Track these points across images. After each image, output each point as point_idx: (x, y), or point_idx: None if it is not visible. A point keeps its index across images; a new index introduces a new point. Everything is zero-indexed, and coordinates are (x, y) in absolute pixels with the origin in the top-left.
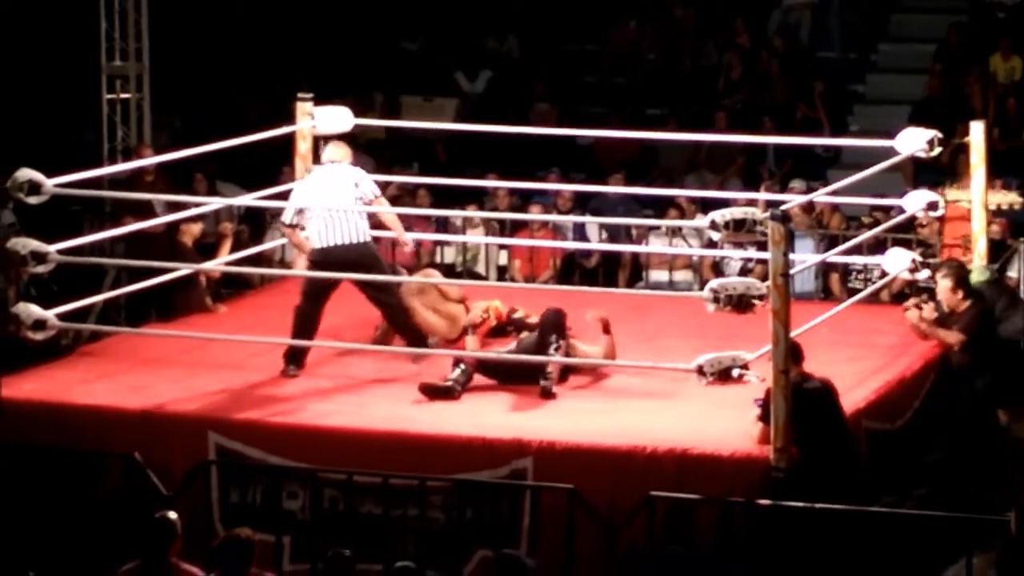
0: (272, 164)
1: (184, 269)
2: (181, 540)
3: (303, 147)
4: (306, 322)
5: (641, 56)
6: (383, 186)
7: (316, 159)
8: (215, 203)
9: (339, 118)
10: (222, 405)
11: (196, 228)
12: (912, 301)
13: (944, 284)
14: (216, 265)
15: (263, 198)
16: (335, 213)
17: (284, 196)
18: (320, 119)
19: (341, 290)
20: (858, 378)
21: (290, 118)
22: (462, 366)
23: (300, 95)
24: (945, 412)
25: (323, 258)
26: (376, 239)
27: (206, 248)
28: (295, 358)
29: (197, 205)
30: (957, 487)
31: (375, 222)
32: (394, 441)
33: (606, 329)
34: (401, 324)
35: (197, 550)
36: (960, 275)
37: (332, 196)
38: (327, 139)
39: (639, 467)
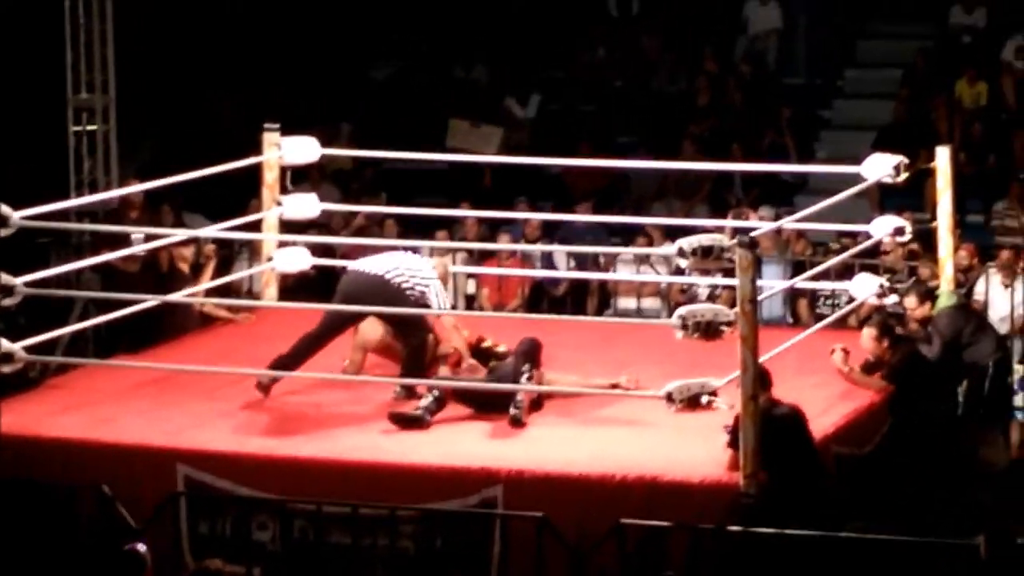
0: (239, 195)
1: (150, 300)
2: (151, 572)
3: (270, 177)
4: (310, 347)
5: (608, 83)
6: (350, 216)
7: (283, 189)
8: (182, 234)
9: (306, 148)
10: (191, 436)
11: (188, 252)
12: (837, 345)
13: (868, 333)
14: (183, 297)
15: (230, 229)
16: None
17: (251, 227)
18: (287, 149)
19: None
20: (827, 403)
21: (256, 148)
22: (434, 394)
23: (267, 125)
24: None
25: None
26: None
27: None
28: (408, 387)
29: (165, 236)
30: (924, 513)
31: None
32: (363, 471)
33: None
34: (413, 363)
35: None
36: (884, 323)
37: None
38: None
39: (609, 494)
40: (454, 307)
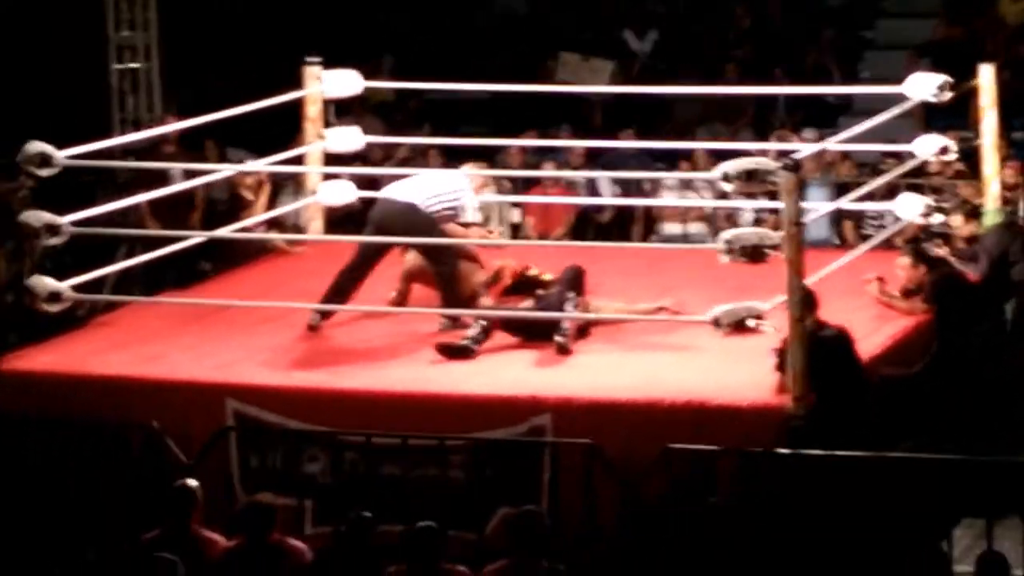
0: (283, 129)
1: (196, 237)
2: (202, 507)
3: (313, 111)
4: (352, 279)
5: (647, 8)
6: (393, 148)
7: (326, 123)
8: (229, 169)
9: (348, 81)
10: (239, 371)
11: (250, 180)
12: (871, 275)
13: (902, 262)
14: (231, 232)
15: (275, 163)
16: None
17: (296, 161)
18: (329, 83)
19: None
20: (874, 325)
21: (298, 83)
22: (480, 323)
23: (308, 59)
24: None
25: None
26: None
27: (222, 214)
28: (453, 317)
29: (210, 172)
30: (971, 436)
31: None
32: (412, 402)
33: None
34: (448, 291)
35: (219, 516)
36: (916, 250)
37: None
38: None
39: (657, 420)
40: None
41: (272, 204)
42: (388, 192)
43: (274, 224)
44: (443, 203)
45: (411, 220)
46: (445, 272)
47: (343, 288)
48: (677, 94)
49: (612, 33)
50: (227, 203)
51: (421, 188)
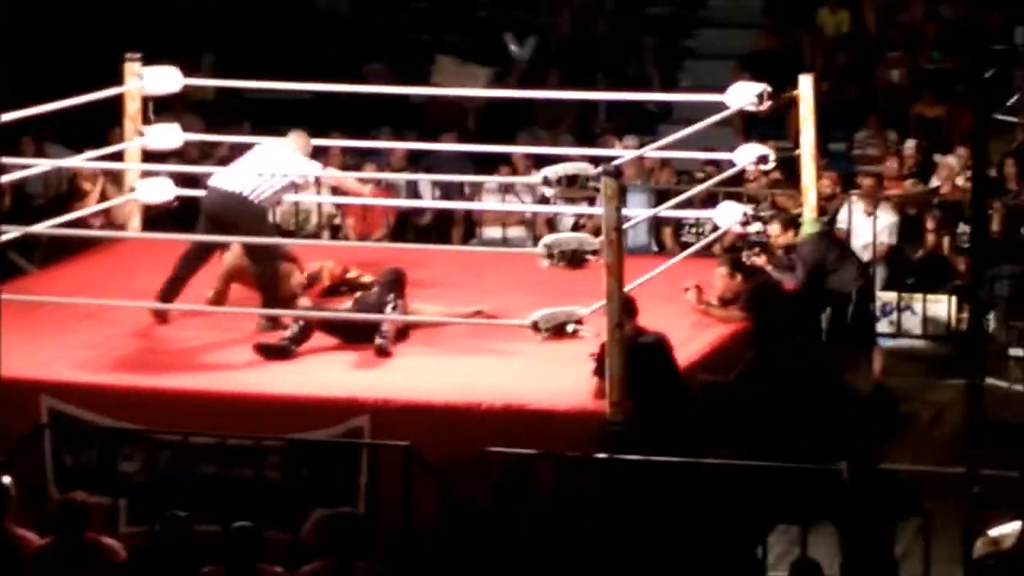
0: (99, 125)
1: (11, 232)
2: (15, 505)
3: (132, 108)
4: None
5: (473, 12)
6: (213, 145)
7: (145, 119)
8: (44, 164)
9: (168, 78)
10: (55, 368)
11: (88, 170)
12: (689, 283)
13: (720, 272)
14: (48, 228)
15: (93, 159)
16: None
17: (113, 157)
18: (149, 79)
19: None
20: (692, 332)
21: (118, 79)
22: (299, 324)
23: (128, 55)
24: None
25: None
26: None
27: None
28: (274, 318)
29: (24, 167)
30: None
31: None
32: (229, 401)
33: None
34: (268, 291)
35: (32, 515)
36: (733, 260)
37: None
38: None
39: (475, 423)
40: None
41: (104, 196)
42: (216, 181)
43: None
44: (273, 187)
45: (238, 211)
46: (266, 271)
47: (176, 285)
48: (498, 98)
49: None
50: (44, 197)
51: (248, 174)
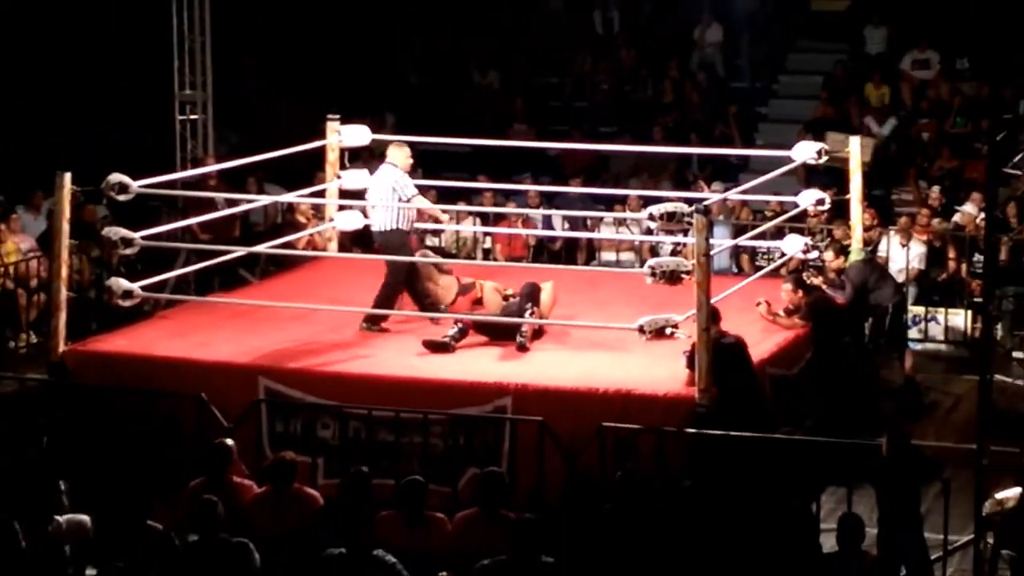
0: (307, 170)
1: (239, 251)
2: (239, 462)
3: (332, 156)
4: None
5: (596, 86)
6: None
7: (342, 166)
8: (264, 200)
9: (359, 134)
10: (270, 356)
11: (306, 208)
12: (761, 298)
13: (786, 288)
14: (267, 248)
15: (302, 196)
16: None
17: (319, 195)
18: (345, 134)
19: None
20: (763, 335)
21: (321, 134)
22: (459, 325)
23: (329, 116)
24: (829, 362)
25: (387, 240)
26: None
27: (259, 234)
28: (374, 319)
29: (250, 201)
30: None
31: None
32: (403, 384)
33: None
34: (381, 296)
35: (251, 470)
36: (797, 279)
37: (380, 191)
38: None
39: (593, 404)
40: (472, 257)
41: (310, 224)
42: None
43: (291, 245)
44: (396, 217)
45: (387, 243)
46: (389, 282)
47: (388, 296)
48: (615, 151)
49: None
50: (263, 225)
51: (379, 211)
